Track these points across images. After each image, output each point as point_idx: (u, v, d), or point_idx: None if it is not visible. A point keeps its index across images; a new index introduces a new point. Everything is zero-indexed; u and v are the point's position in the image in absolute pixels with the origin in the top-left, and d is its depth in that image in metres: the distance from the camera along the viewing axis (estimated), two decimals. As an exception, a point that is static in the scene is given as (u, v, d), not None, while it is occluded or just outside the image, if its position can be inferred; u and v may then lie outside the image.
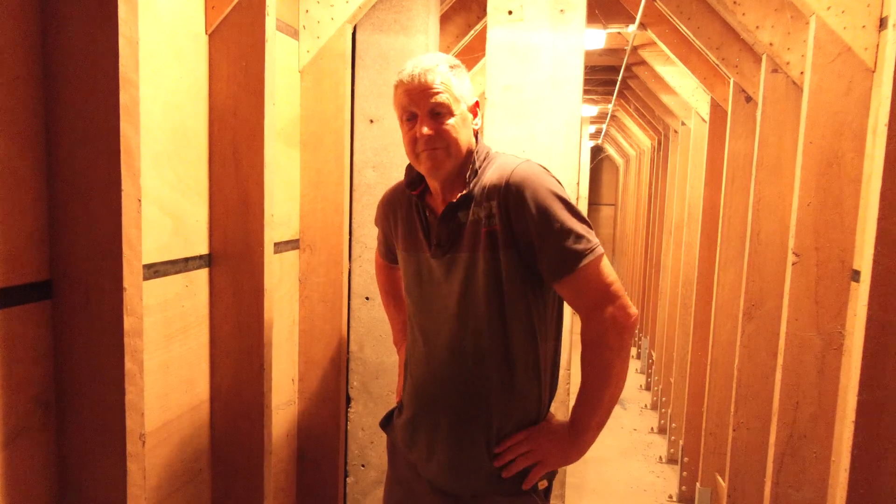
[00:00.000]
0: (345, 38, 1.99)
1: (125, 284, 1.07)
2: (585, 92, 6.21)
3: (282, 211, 1.97)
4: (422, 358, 1.40)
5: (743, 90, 2.79)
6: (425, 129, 1.28)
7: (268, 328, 1.58)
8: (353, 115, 2.32)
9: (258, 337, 1.57)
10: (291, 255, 2.03)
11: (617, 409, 4.91)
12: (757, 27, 2.22)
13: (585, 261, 1.22)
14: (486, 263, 1.29)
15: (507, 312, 1.30)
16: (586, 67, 5.01)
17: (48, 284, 1.10)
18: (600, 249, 1.25)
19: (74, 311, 1.10)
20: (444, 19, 2.83)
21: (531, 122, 2.20)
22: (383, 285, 1.72)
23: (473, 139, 1.38)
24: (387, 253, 1.63)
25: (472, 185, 1.32)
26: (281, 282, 1.97)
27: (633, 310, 1.26)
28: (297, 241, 2.06)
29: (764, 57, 2.28)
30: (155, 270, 1.37)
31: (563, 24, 2.15)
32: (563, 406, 2.09)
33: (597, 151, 13.76)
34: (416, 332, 1.42)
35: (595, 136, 10.58)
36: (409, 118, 1.32)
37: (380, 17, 2.27)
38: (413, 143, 1.32)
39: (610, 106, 6.62)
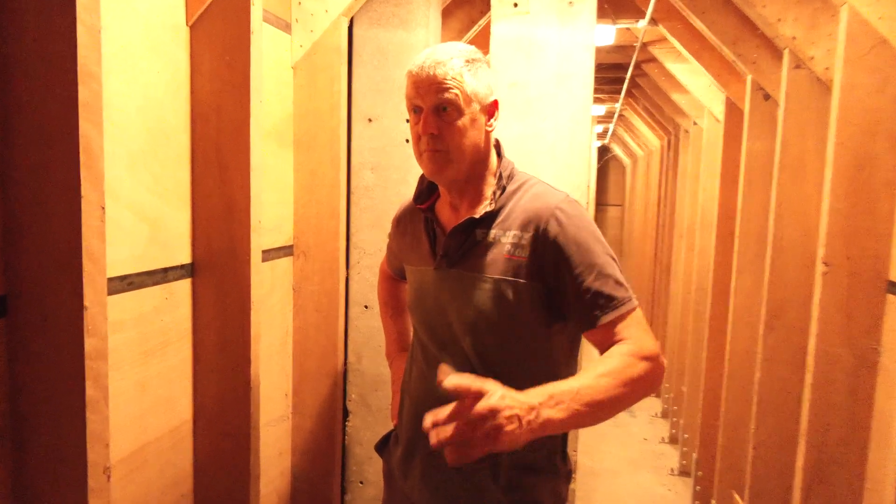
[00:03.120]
0: (340, 31, 1.87)
1: (86, 303, 0.96)
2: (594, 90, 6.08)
3: (273, 215, 1.85)
4: (421, 376, 1.29)
5: (761, 87, 2.66)
6: (427, 127, 1.18)
7: (254, 343, 1.46)
8: (351, 113, 2.20)
9: (244, 352, 1.45)
10: (284, 263, 1.92)
11: (625, 417, 4.77)
12: (778, 20, 2.09)
13: (623, 309, 1.11)
14: (501, 289, 1.17)
15: (517, 339, 1.20)
16: (595, 65, 4.89)
17: (3, 301, 0.98)
18: (636, 301, 1.14)
19: (31, 330, 0.98)
20: (446, 14, 2.71)
21: (536, 120, 2.08)
22: (383, 294, 1.61)
23: (488, 144, 1.25)
24: (394, 262, 1.54)
25: (496, 205, 1.21)
26: (272, 291, 1.86)
27: (665, 363, 1.12)
28: (290, 247, 1.95)
29: (786, 52, 2.15)
30: (129, 282, 1.26)
31: (572, 17, 2.03)
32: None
33: (603, 151, 13.63)
34: (418, 349, 1.32)
35: (602, 135, 10.44)
36: (415, 111, 1.21)
37: (378, 11, 2.16)
38: (417, 140, 1.22)
39: (617, 105, 6.48)
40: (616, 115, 7.45)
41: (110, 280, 1.21)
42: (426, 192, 1.32)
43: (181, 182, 1.41)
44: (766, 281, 2.13)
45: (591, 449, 4.13)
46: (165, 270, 1.37)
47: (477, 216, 1.21)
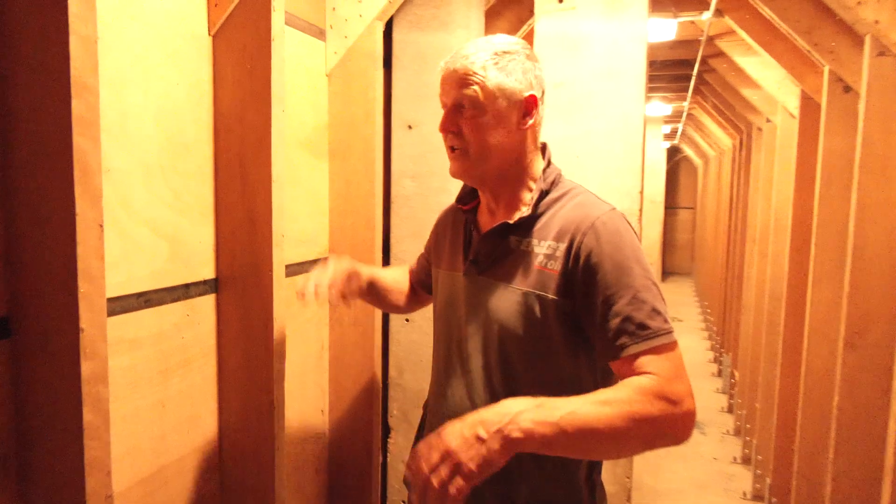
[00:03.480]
0: (374, 36, 1.81)
1: (82, 324, 0.92)
2: (656, 89, 5.82)
3: (308, 227, 1.81)
4: (441, 393, 1.21)
5: (840, 79, 2.42)
6: (445, 124, 1.12)
7: (277, 360, 1.41)
8: (391, 120, 2.14)
9: (267, 370, 1.40)
10: (319, 275, 1.87)
11: (695, 434, 4.49)
12: (858, 3, 1.88)
13: (656, 342, 0.97)
14: (529, 303, 1.08)
15: (542, 359, 1.10)
16: (655, 62, 4.66)
17: (5, 322, 0.96)
18: (674, 336, 1.00)
19: (33, 353, 0.96)
20: (494, 14, 2.61)
21: (584, 120, 1.94)
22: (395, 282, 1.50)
23: (523, 144, 1.15)
24: (420, 270, 1.47)
25: (535, 210, 1.12)
26: (306, 304, 1.81)
27: (692, 411, 0.95)
28: (326, 259, 1.89)
29: (867, 38, 1.92)
30: (146, 300, 1.23)
31: (621, 10, 1.89)
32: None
33: (673, 152, 13.14)
34: (442, 362, 1.24)
35: (670, 136, 10.03)
36: (444, 108, 1.15)
37: (417, 14, 2.09)
38: (445, 139, 1.16)
39: (685, 103, 6.18)
40: (684, 114, 7.12)
41: (125, 297, 1.18)
42: (470, 193, 1.26)
43: (203, 196, 1.37)
44: (845, 293, 1.91)
45: (653, 467, 3.90)
46: (187, 286, 1.34)
47: (511, 221, 1.12)
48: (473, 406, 1.11)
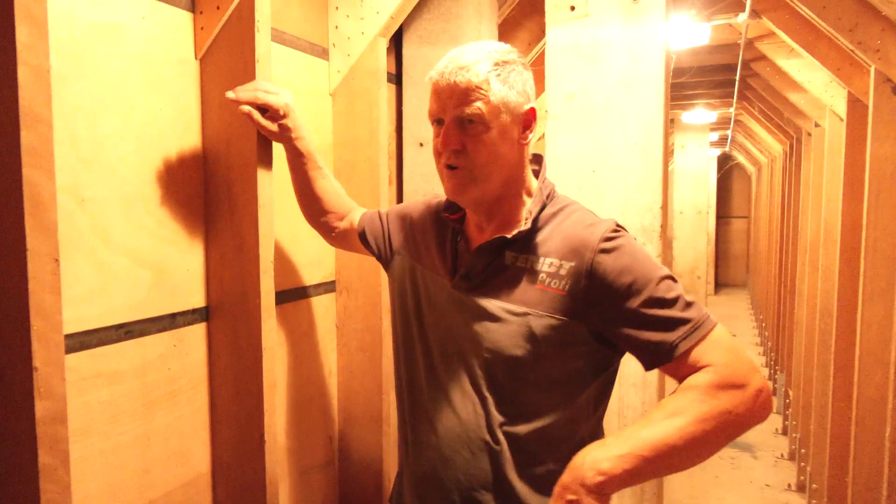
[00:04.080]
0: (377, 53, 1.76)
1: (36, 363, 0.88)
2: (698, 96, 5.60)
3: (313, 250, 1.76)
4: (423, 411, 1.13)
5: (888, 79, 2.24)
6: (448, 142, 1.04)
7: (268, 392, 1.35)
8: (402, 138, 2.09)
9: (257, 402, 1.35)
10: (326, 299, 1.82)
11: (746, 459, 4.24)
12: (901, -4, 1.72)
13: (698, 334, 0.96)
14: (529, 325, 1.01)
15: (538, 385, 1.03)
16: (695, 68, 4.48)
17: (-35, 359, 0.93)
18: (713, 319, 0.99)
19: (-8, 391, 0.93)
20: (513, 24, 2.54)
21: (601, 134, 1.84)
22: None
23: (522, 159, 1.09)
24: (370, 234, 1.37)
25: (532, 225, 1.06)
26: (311, 329, 1.76)
27: (763, 386, 0.95)
28: (332, 282, 1.85)
29: (913, 34, 1.76)
30: (127, 331, 1.20)
31: (638, 15, 1.79)
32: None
33: (724, 160, 12.72)
34: (421, 377, 1.14)
35: (718, 143, 9.70)
36: (437, 122, 1.08)
37: (427, 29, 2.04)
38: (438, 157, 1.08)
39: (731, 110, 5.93)
40: (732, 121, 6.85)
41: (103, 330, 1.15)
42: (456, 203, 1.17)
43: (192, 223, 1.34)
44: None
45: (701, 493, 3.69)
46: (173, 316, 1.30)
47: (509, 236, 1.05)
48: (463, 427, 1.04)
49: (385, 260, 1.35)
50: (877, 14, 2.09)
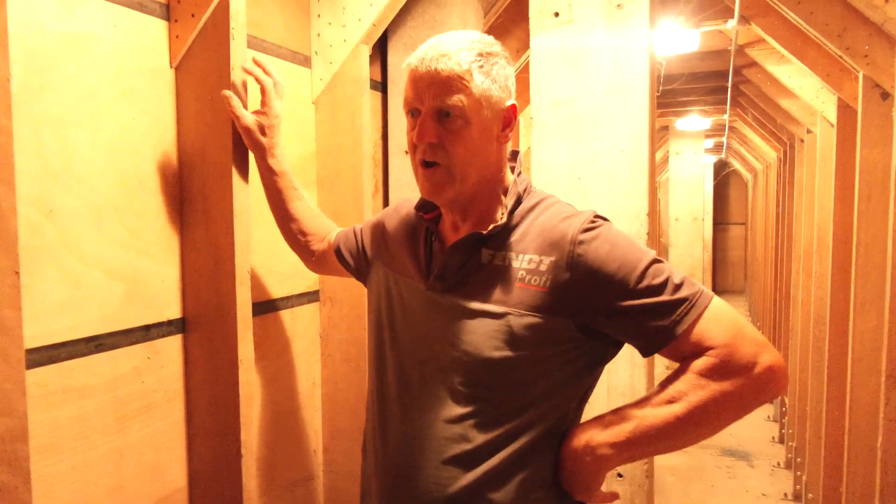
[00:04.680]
0: (359, 60, 1.74)
1: (-6, 378, 0.86)
2: (692, 102, 5.60)
3: (295, 259, 1.73)
4: (395, 419, 1.08)
5: (877, 84, 2.23)
6: (425, 134, 0.98)
7: (245, 405, 1.33)
8: (387, 146, 2.08)
9: (234, 415, 1.32)
10: (308, 310, 1.80)
11: (742, 468, 4.20)
12: (886, 1, 1.71)
13: (695, 311, 0.94)
14: (509, 324, 0.97)
15: (519, 385, 0.99)
16: (687, 75, 4.47)
17: (-73, 375, 0.91)
18: (708, 293, 0.97)
19: (-47, 407, 0.91)
20: (501, 31, 2.53)
21: (589, 141, 1.82)
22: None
23: (501, 157, 1.06)
24: (346, 251, 1.33)
25: (508, 221, 1.02)
26: (294, 340, 1.74)
27: (773, 362, 0.93)
28: (315, 292, 1.82)
29: (899, 39, 1.75)
30: (98, 344, 1.17)
31: (622, 21, 1.78)
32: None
33: (721, 167, 12.73)
34: (392, 387, 1.09)
35: (714, 150, 9.70)
36: (413, 114, 1.02)
37: (412, 36, 2.02)
38: (413, 151, 1.03)
39: (725, 116, 5.93)
40: (726, 127, 6.85)
41: (73, 343, 1.13)
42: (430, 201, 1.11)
43: (167, 234, 1.32)
44: (886, 322, 1.71)
45: (697, 503, 3.65)
46: (147, 328, 1.28)
47: (485, 232, 1.01)
48: (434, 431, 1.00)
49: (362, 274, 1.31)
50: (864, 20, 2.08)
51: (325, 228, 1.41)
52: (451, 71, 0.96)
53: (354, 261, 1.32)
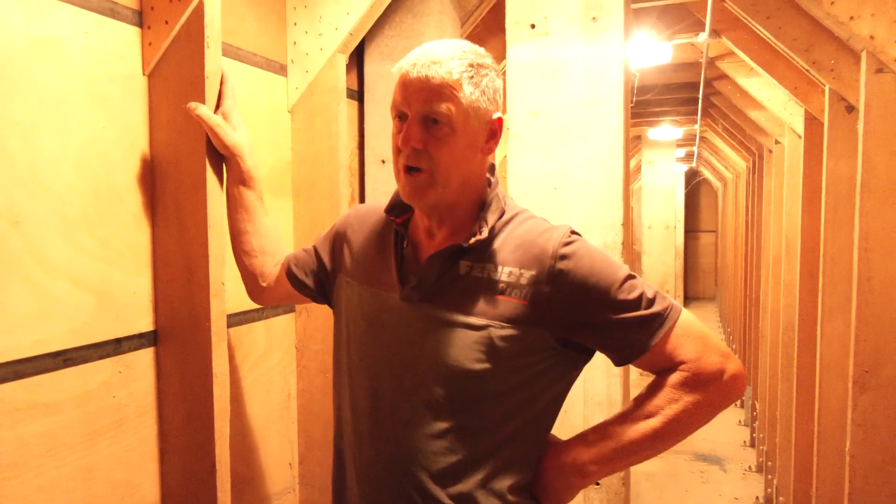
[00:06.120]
0: (336, 69, 1.73)
1: (-44, 396, 0.83)
2: (665, 113, 5.70)
3: (270, 270, 1.72)
4: (369, 434, 1.06)
5: (842, 98, 2.29)
6: (410, 138, 0.97)
7: (219, 418, 1.30)
8: (364, 155, 2.07)
9: (208, 430, 1.30)
10: (283, 321, 1.77)
11: (715, 472, 4.26)
12: (851, 18, 1.76)
13: (666, 326, 1.00)
14: (490, 336, 0.98)
15: (499, 396, 1.00)
16: (660, 86, 4.56)
17: None
18: (678, 306, 1.04)
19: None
20: (479, 42, 2.52)
21: (564, 153, 1.84)
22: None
23: (483, 168, 1.06)
24: (299, 270, 1.26)
25: (487, 233, 1.02)
26: (268, 352, 1.71)
27: (734, 369, 1.01)
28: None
29: (863, 54, 1.80)
30: (66, 359, 1.14)
31: (597, 34, 1.80)
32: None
33: (692, 176, 12.97)
34: (363, 401, 1.08)
35: (686, 159, 9.87)
36: (400, 117, 1.01)
37: (389, 45, 2.02)
38: (397, 155, 1.02)
39: (696, 127, 6.04)
40: (698, 137, 6.98)
41: (39, 358, 1.09)
42: (402, 204, 1.08)
43: (139, 244, 1.29)
44: (853, 328, 1.75)
45: (671, 510, 3.69)
46: (118, 341, 1.25)
47: (466, 244, 1.01)
48: (419, 445, 1.00)
49: (322, 291, 1.26)
50: (831, 35, 2.13)
51: (283, 250, 1.35)
52: (441, 79, 0.96)
53: (312, 278, 1.26)
